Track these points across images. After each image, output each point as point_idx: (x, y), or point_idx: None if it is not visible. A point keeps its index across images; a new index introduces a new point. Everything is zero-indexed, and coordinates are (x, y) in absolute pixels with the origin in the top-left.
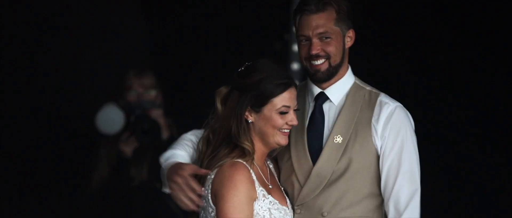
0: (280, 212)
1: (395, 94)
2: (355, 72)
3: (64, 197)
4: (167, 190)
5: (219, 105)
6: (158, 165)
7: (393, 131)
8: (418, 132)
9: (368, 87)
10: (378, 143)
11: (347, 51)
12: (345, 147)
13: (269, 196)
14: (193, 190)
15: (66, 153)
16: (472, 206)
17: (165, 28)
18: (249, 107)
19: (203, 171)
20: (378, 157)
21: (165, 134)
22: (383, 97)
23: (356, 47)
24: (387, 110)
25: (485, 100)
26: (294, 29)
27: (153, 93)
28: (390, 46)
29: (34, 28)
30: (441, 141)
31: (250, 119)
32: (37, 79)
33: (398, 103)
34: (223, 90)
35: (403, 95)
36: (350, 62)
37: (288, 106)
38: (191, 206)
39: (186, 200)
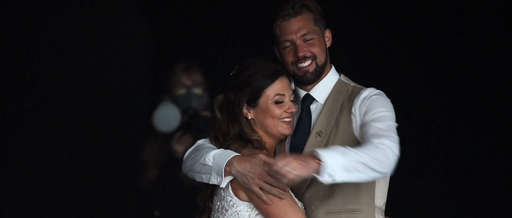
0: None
1: (395, 93)
2: (355, 72)
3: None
4: (223, 186)
5: (218, 113)
6: None
7: (370, 106)
8: (418, 131)
9: (353, 84)
10: (358, 132)
11: (327, 51)
12: (326, 141)
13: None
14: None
15: (75, 154)
16: (471, 206)
17: (166, 29)
18: (245, 104)
19: (272, 160)
20: None
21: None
22: (364, 90)
23: (356, 47)
24: (363, 95)
25: (485, 100)
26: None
27: (199, 91)
28: (390, 46)
29: (34, 28)
30: (441, 141)
31: (250, 115)
32: (39, 79)
33: (378, 91)
34: (220, 98)
35: (403, 95)
36: (351, 62)
37: (283, 95)
38: (282, 195)
39: (275, 191)
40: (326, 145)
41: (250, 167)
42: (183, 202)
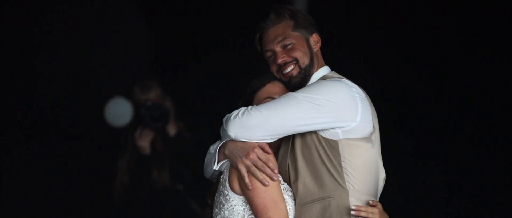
0: (289, 199)
1: (395, 93)
2: (356, 72)
3: (85, 205)
4: (216, 167)
5: None
6: (178, 168)
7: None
8: (418, 131)
9: (334, 78)
10: None
11: (317, 54)
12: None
13: (284, 183)
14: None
15: (71, 158)
16: (471, 206)
17: (166, 30)
18: None
19: (265, 145)
20: (317, 136)
21: (172, 130)
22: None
23: (356, 47)
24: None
25: (485, 100)
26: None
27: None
28: (390, 46)
29: (33, 30)
30: (439, 140)
31: None
32: (37, 82)
33: (331, 78)
34: None
35: (403, 95)
36: (352, 62)
37: (273, 98)
38: (267, 181)
39: (261, 175)
40: (292, 144)
41: (241, 146)
42: (157, 203)
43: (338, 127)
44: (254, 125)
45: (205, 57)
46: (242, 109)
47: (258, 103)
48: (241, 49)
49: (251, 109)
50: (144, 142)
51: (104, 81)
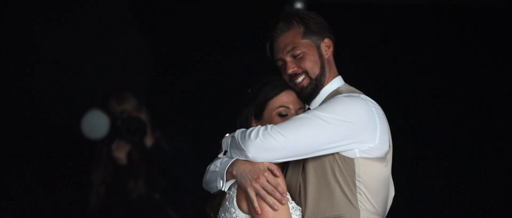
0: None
1: (394, 93)
2: (356, 72)
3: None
4: (225, 189)
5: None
6: (154, 178)
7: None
8: (418, 131)
9: (346, 92)
10: None
11: (328, 61)
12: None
13: (292, 201)
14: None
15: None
16: (471, 206)
17: (161, 36)
18: (253, 117)
19: (275, 167)
20: (332, 153)
21: (149, 141)
22: (338, 94)
23: (355, 47)
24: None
25: (484, 100)
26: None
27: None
28: (389, 46)
29: (27, 35)
30: (441, 141)
31: None
32: (30, 89)
33: (349, 94)
34: (239, 117)
35: (403, 95)
36: (352, 62)
37: (287, 108)
38: (276, 206)
39: (271, 199)
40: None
41: (251, 169)
42: (133, 212)
43: (356, 147)
44: (275, 148)
45: (203, 64)
46: (261, 128)
47: (271, 113)
48: (240, 53)
49: (271, 130)
50: (121, 153)
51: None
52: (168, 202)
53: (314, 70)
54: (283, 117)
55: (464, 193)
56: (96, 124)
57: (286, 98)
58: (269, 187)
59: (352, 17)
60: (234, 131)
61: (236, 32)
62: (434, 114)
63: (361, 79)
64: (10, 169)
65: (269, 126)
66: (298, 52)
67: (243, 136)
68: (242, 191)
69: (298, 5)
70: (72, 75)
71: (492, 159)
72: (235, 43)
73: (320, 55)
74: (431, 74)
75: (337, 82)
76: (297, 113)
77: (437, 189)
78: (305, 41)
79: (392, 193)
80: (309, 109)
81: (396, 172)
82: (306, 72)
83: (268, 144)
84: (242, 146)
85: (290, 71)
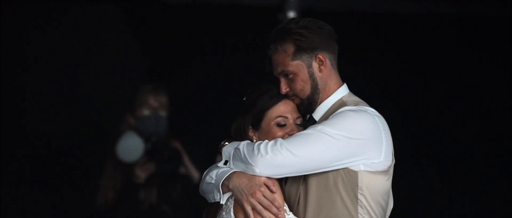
0: None
1: (394, 94)
2: (355, 72)
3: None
4: (222, 202)
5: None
6: (167, 189)
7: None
8: (416, 135)
9: (352, 104)
10: None
11: (323, 76)
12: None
13: (290, 213)
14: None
15: (58, 173)
16: (471, 207)
17: (155, 41)
18: (250, 127)
19: (271, 183)
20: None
21: (183, 169)
22: (345, 107)
23: (355, 47)
24: (338, 110)
25: (484, 100)
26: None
27: (164, 113)
28: (389, 46)
29: (21, 44)
30: (439, 146)
31: (255, 138)
32: (24, 97)
33: (357, 107)
34: (235, 124)
35: (402, 95)
36: (351, 62)
37: (285, 117)
38: None
39: (267, 214)
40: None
41: (247, 183)
42: None
43: (362, 163)
44: (284, 165)
45: (198, 72)
46: (269, 143)
47: (269, 123)
48: (238, 56)
49: (280, 146)
50: (144, 173)
51: (96, 98)
52: (177, 215)
53: (304, 92)
54: (282, 126)
55: (463, 195)
56: (131, 147)
57: (284, 108)
58: (266, 202)
59: (343, 25)
60: (230, 138)
61: (229, 38)
62: (432, 118)
63: (358, 84)
64: (10, 169)
65: (278, 142)
66: (288, 73)
67: (251, 150)
68: (239, 203)
69: (291, 14)
70: (71, 77)
71: (490, 162)
72: (228, 48)
73: (311, 75)
74: (429, 79)
75: (341, 92)
76: (295, 122)
77: (435, 191)
78: (295, 62)
79: (391, 206)
80: (310, 117)
81: (395, 175)
82: (296, 95)
83: (276, 161)
84: (250, 161)
85: (283, 91)
